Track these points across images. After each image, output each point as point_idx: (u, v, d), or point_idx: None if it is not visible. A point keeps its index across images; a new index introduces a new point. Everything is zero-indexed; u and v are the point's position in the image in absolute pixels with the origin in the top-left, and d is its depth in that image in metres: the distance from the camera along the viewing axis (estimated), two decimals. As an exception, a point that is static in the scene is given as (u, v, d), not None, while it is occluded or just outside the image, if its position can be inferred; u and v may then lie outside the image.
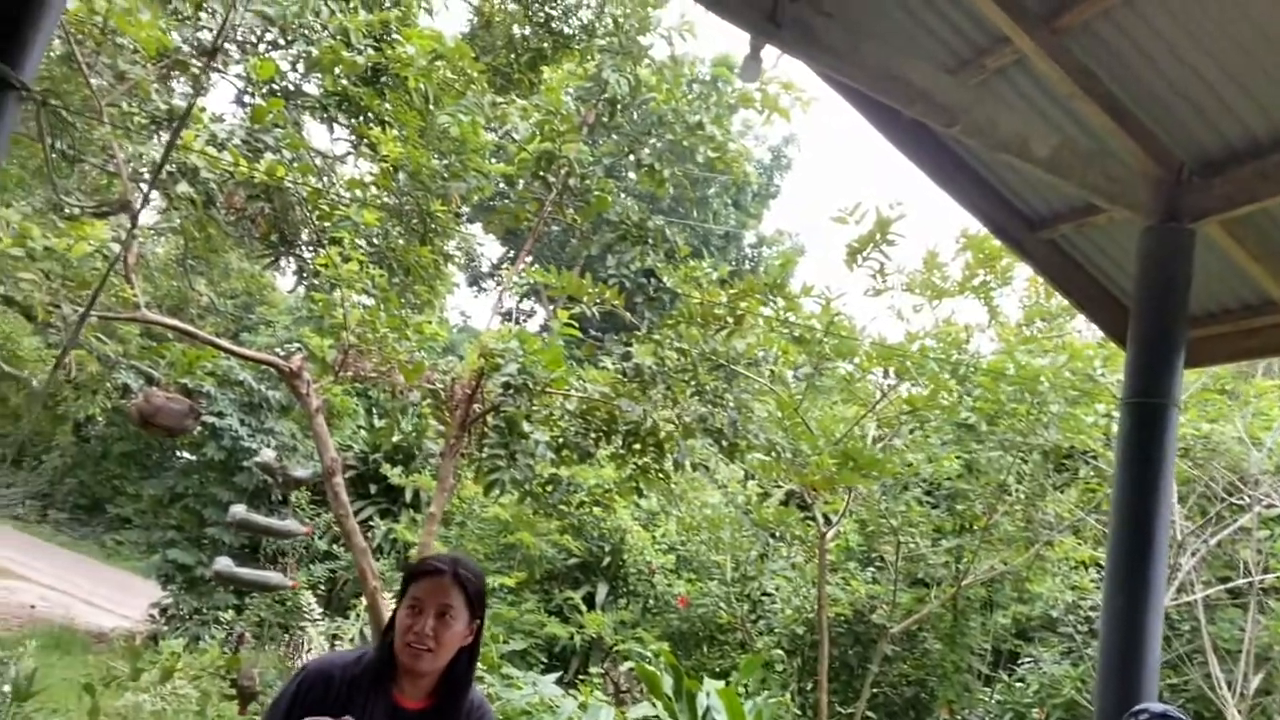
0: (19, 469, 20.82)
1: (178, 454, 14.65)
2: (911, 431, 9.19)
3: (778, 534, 10.86)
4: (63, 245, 5.05)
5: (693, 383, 6.47)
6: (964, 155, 5.17)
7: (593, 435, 6.32)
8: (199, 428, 9.85)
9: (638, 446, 6.37)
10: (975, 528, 9.20)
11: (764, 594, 10.95)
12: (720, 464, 10.56)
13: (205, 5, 6.27)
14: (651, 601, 11.58)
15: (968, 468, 9.14)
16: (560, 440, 6.21)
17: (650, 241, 6.94)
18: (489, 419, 6.07)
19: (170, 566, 12.10)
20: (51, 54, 5.91)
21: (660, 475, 6.72)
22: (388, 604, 5.85)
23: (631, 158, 7.61)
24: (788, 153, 25.80)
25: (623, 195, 8.93)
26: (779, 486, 10.81)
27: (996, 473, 8.80)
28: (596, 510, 10.55)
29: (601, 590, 11.67)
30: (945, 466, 8.93)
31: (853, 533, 10.51)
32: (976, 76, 4.55)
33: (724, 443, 6.49)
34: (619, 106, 7.41)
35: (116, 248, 5.38)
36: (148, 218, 10.58)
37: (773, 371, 7.96)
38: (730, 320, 6.78)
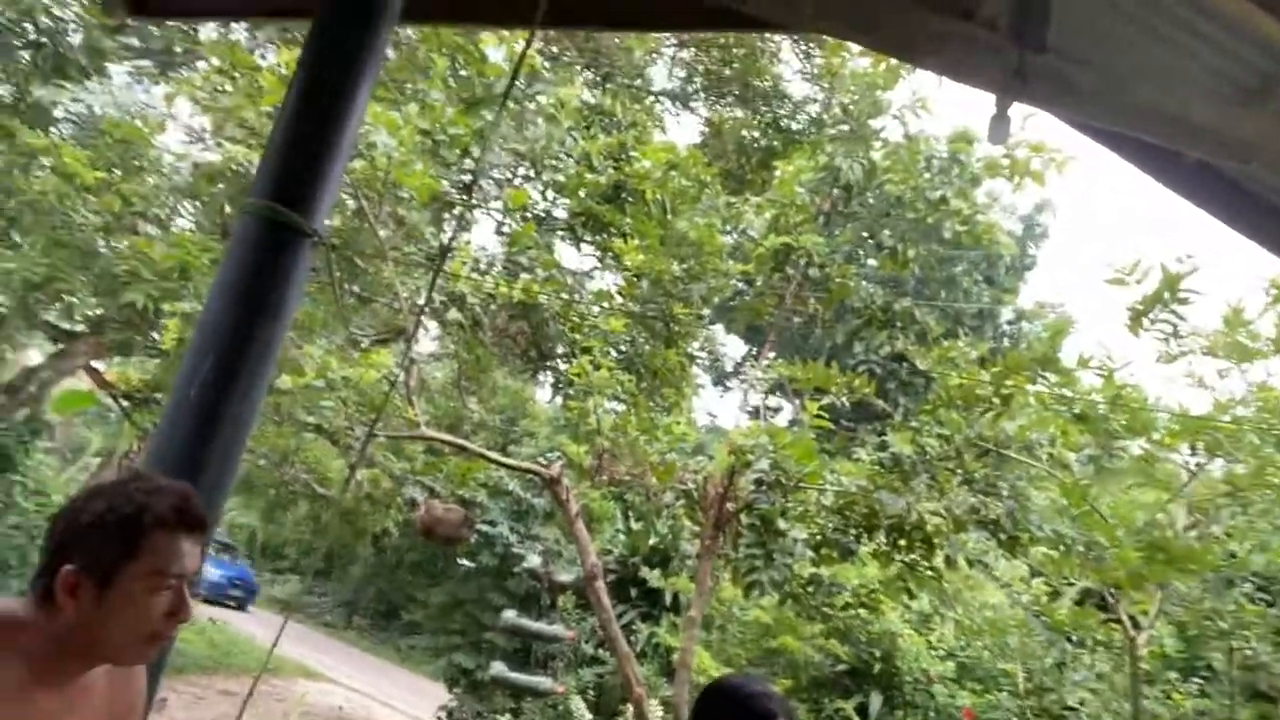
0: (328, 579, 23.27)
1: (459, 562, 15.70)
2: (1233, 517, 7.89)
3: (1075, 639, 9.62)
4: (356, 374, 5.66)
5: (959, 471, 5.99)
6: (1264, 194, 4.50)
7: (853, 531, 5.98)
8: (474, 536, 10.49)
9: (903, 542, 5.94)
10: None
11: (1066, 709, 9.66)
12: (999, 559, 9.63)
13: (468, 150, 6.96)
14: (932, 714, 10.60)
15: (1313, 557, 7.66)
16: (819, 538, 5.94)
17: (898, 325, 6.65)
18: (743, 518, 5.94)
19: (454, 670, 12.80)
20: (346, 209, 6.78)
21: (931, 573, 6.21)
22: (654, 711, 5.75)
23: (871, 242, 7.41)
24: (1041, 220, 24.19)
25: (864, 281, 8.68)
26: (1071, 584, 9.63)
27: (1354, 563, 7.30)
28: (863, 612, 9.93)
29: (875, 701, 10.86)
30: (1282, 557, 7.55)
31: (1169, 637, 9.09)
32: (1270, 105, 3.98)
33: (1002, 536, 5.91)
34: (854, 192, 7.29)
35: (401, 374, 5.95)
36: (428, 345, 11.73)
37: (1051, 455, 7.20)
38: (996, 401, 6.25)
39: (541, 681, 9.80)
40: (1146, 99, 3.63)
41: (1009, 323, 24.00)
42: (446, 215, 7.69)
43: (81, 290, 8.05)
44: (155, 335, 8.80)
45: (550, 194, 7.71)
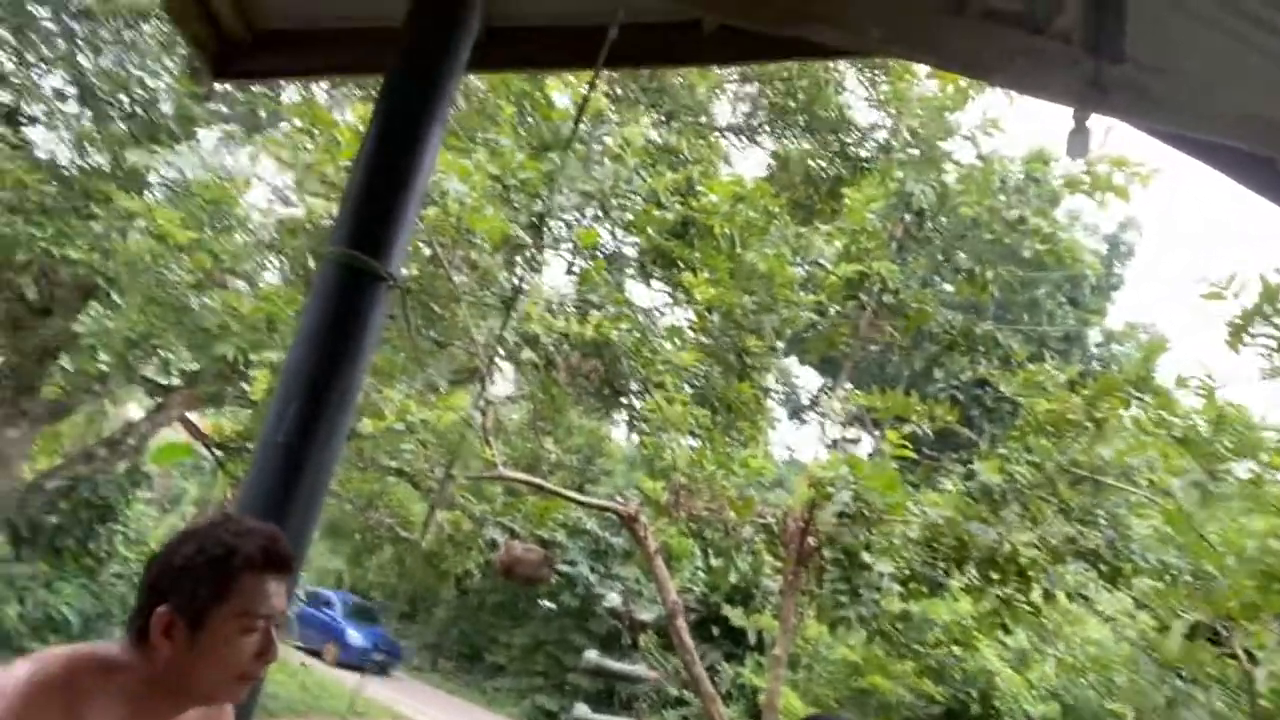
0: (413, 622, 23.54)
1: (540, 603, 15.73)
2: (1357, 542, 7.37)
3: (1187, 676, 9.06)
4: (434, 417, 5.76)
5: (1053, 500, 5.74)
6: (1371, 196, 4.24)
7: (942, 565, 5.78)
8: (555, 576, 10.49)
9: (996, 575, 5.71)
10: None
11: (1180, 751, 9.08)
12: (1101, 592, 9.17)
13: (537, 193, 7.09)
14: (1035, 757, 10.10)
15: None
16: (906, 571, 5.75)
17: (980, 349, 6.46)
18: (826, 552, 5.80)
19: (538, 712, 12.77)
20: (421, 256, 6.94)
21: (1027, 608, 5.94)
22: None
23: (948, 266, 7.25)
24: (1126, 238, 23.37)
25: (942, 306, 8.49)
26: (1180, 617, 9.10)
27: None
28: (956, 649, 9.56)
29: (973, 743, 10.41)
30: None
31: (1293, 673, 8.48)
32: (1372, 101, 3.76)
33: (1103, 567, 5.63)
34: (927, 216, 7.16)
35: (478, 416, 6.03)
36: (504, 387, 11.89)
37: (1151, 480, 6.86)
38: (1089, 426, 5.99)
39: (626, 724, 9.68)
40: (1235, 104, 3.48)
41: (1097, 345, 23.16)
42: (518, 257, 7.82)
43: (176, 345, 8.42)
44: (245, 386, 9.12)
45: (619, 232, 7.78)
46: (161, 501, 20.39)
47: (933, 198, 6.88)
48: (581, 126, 6.79)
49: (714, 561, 14.06)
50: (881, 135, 9.11)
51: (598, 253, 7.55)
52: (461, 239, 6.59)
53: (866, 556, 5.52)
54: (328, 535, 19.12)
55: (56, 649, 1.41)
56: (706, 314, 6.87)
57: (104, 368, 10.16)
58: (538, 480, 7.45)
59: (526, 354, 6.18)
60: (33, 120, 9.20)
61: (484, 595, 21.30)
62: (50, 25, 8.73)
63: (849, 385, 10.20)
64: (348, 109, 8.70)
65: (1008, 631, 8.98)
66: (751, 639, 13.42)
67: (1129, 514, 6.30)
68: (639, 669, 9.91)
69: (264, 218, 9.16)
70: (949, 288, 11.73)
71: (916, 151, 7.21)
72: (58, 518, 9.25)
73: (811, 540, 5.87)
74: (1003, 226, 6.49)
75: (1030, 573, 5.56)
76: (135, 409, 14.18)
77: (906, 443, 6.37)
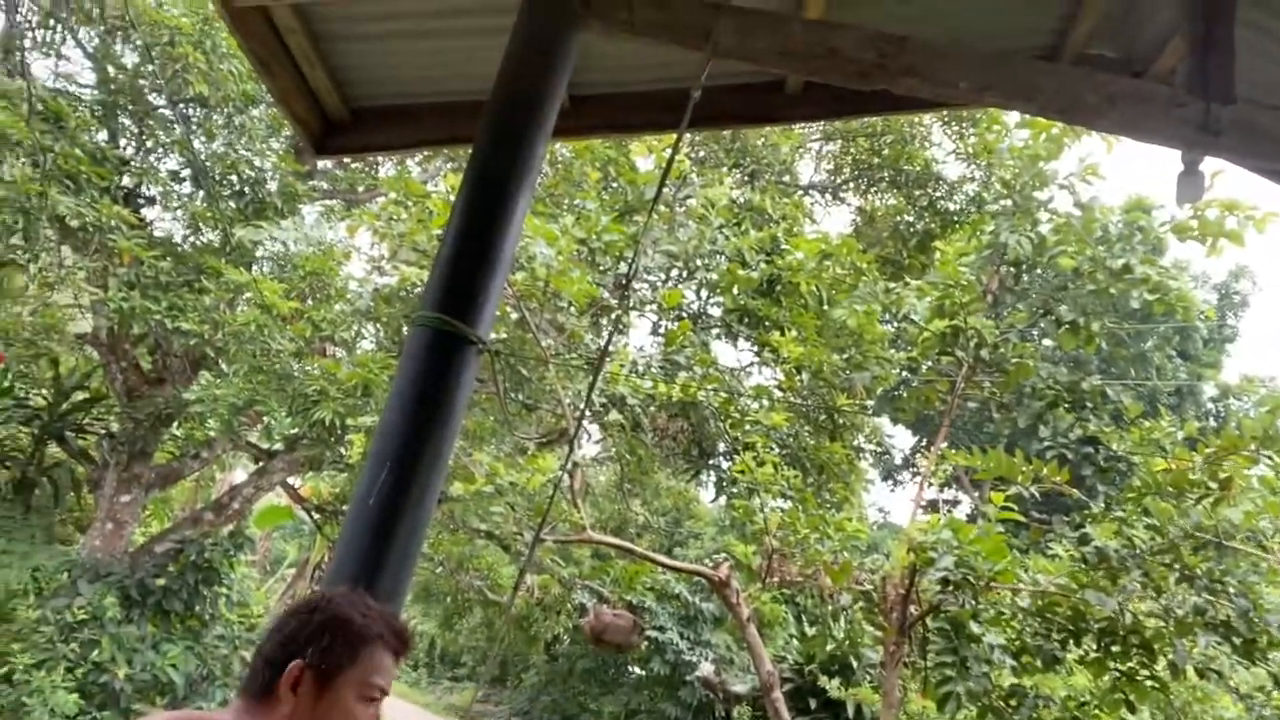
0: (503, 687, 23.42)
1: (629, 669, 15.43)
2: None
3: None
4: (522, 479, 5.76)
5: (1177, 566, 5.34)
6: None
7: (1056, 636, 5.41)
8: (644, 642, 10.29)
9: (1117, 648, 5.31)
10: None
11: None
12: (1235, 667, 8.47)
13: (621, 255, 7.16)
14: None
15: None
16: (1017, 643, 5.40)
17: (1088, 405, 6.13)
18: (930, 621, 5.50)
19: (629, 783, 12.42)
20: (509, 320, 7.06)
21: (1153, 683, 5.50)
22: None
23: (1049, 319, 6.96)
24: (1239, 288, 22.21)
25: (1044, 360, 8.14)
26: (1326, 695, 8.31)
27: None
28: (1073, 728, 8.91)
29: (1097, 831, 9.61)
30: None
31: None
32: None
33: (1235, 639, 5.18)
34: (1024, 268, 6.92)
35: (566, 479, 6.01)
36: (591, 449, 11.91)
37: (1285, 545, 6.34)
38: (1212, 486, 5.59)
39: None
40: (1362, 138, 3.26)
41: (1212, 399, 21.92)
42: (603, 320, 7.88)
43: (278, 411, 8.72)
44: (342, 450, 9.37)
45: (704, 292, 7.77)
46: (263, 564, 20.99)
47: (1029, 248, 6.65)
48: (665, 189, 6.86)
49: (808, 629, 13.59)
50: (971, 188, 8.92)
51: (682, 313, 7.54)
52: (548, 302, 6.68)
53: (974, 627, 5.21)
54: (419, 598, 19.31)
55: (164, 714, 1.45)
56: (795, 373, 6.75)
57: (211, 433, 10.62)
58: (626, 544, 7.36)
59: (613, 415, 6.16)
60: (151, 201, 9.84)
61: (574, 660, 21.06)
62: (167, 113, 9.37)
63: (945, 444, 9.85)
64: (440, 181, 9.02)
65: (1132, 710, 8.35)
66: (850, 713, 12.83)
67: (1261, 581, 5.81)
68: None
69: (361, 287, 9.51)
70: (1049, 342, 11.30)
71: (1010, 202, 7.01)
72: (165, 580, 9.56)
73: (914, 609, 5.59)
74: (1106, 276, 6.20)
75: (1155, 645, 5.15)
76: (239, 473, 14.72)
77: (1011, 505, 6.05)
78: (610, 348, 5.86)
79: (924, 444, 21.80)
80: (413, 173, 10.69)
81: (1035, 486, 6.19)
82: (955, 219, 8.27)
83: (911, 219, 8.87)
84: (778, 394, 6.96)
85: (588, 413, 5.58)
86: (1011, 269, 6.81)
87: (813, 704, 13.48)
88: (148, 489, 10.42)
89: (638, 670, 14.28)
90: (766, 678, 5.83)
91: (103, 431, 10.91)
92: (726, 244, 7.14)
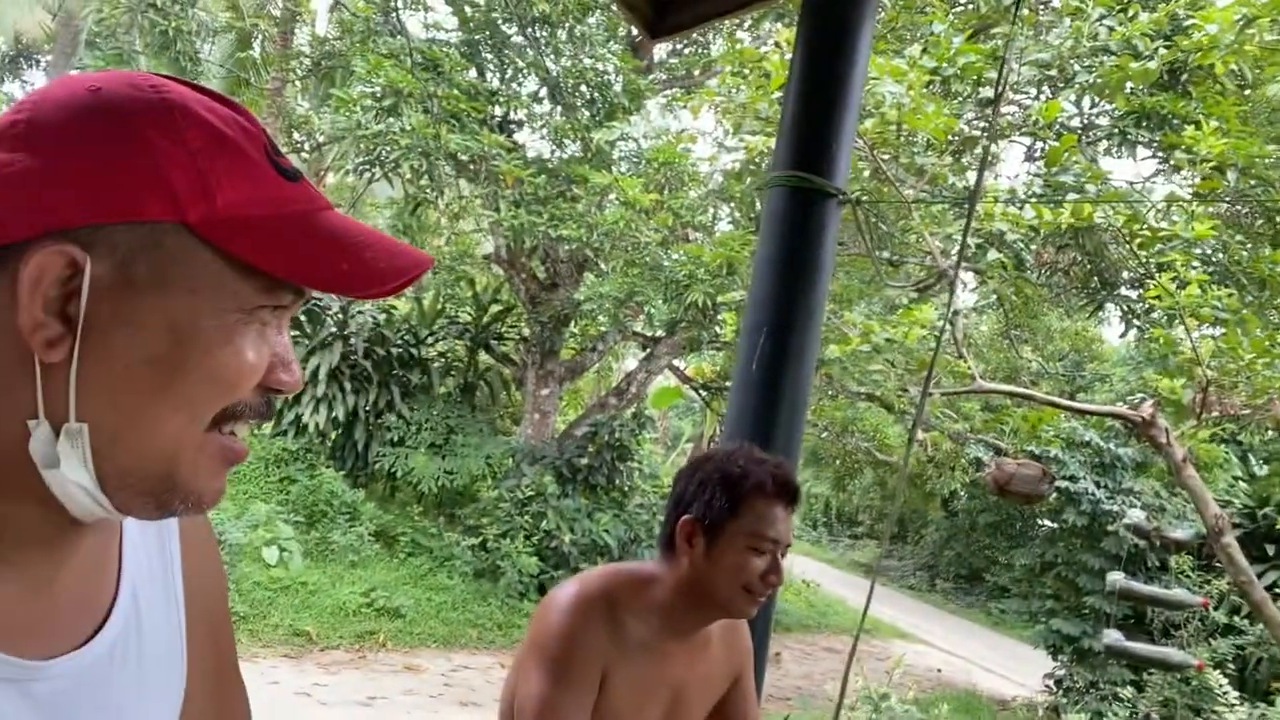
0: (904, 543, 23.62)
1: (1038, 522, 14.68)
2: None
3: None
4: (899, 334, 5.55)
5: None
6: None
7: None
8: (1054, 493, 9.64)
9: None
10: None
11: None
12: None
13: (981, 78, 6.41)
14: None
15: None
16: None
17: None
18: None
19: (1055, 636, 11.94)
20: (862, 176, 6.73)
21: None
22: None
23: None
24: None
25: None
26: None
27: None
28: None
29: None
30: None
31: None
32: None
33: None
34: None
35: (947, 328, 5.68)
36: (967, 299, 11.18)
37: None
38: None
39: (1172, 654, 8.50)
40: None
41: None
42: (968, 155, 7.18)
43: (654, 299, 9.31)
44: (717, 330, 9.80)
45: (1087, 100, 6.71)
46: (664, 441, 23.06)
47: None
48: (1025, -11, 5.95)
49: (1258, 469, 11.83)
50: None
51: (1061, 129, 6.60)
52: (903, 148, 6.23)
53: None
54: (809, 463, 19.97)
55: (599, 568, 1.63)
56: (1218, 173, 5.61)
57: (603, 328, 11.68)
58: (1024, 390, 6.84)
59: (992, 254, 5.63)
60: (519, 124, 10.79)
61: (974, 515, 20.55)
62: (519, 39, 10.10)
63: None
64: (773, 41, 8.74)
65: None
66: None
67: None
68: (1181, 594, 8.66)
69: (711, 167, 9.67)
70: None
71: None
72: (587, 459, 10.89)
73: None
74: None
75: None
76: (631, 361, 16.13)
77: None
78: (981, 182, 5.33)
79: None
80: (744, 41, 10.49)
81: None
82: None
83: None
84: (1194, 203, 5.87)
85: (963, 257, 5.15)
86: None
87: (1270, 550, 11.82)
88: (560, 382, 11.83)
89: (1047, 523, 13.50)
90: (1214, 521, 5.14)
91: (517, 337, 12.53)
92: (1111, 36, 6.05)
